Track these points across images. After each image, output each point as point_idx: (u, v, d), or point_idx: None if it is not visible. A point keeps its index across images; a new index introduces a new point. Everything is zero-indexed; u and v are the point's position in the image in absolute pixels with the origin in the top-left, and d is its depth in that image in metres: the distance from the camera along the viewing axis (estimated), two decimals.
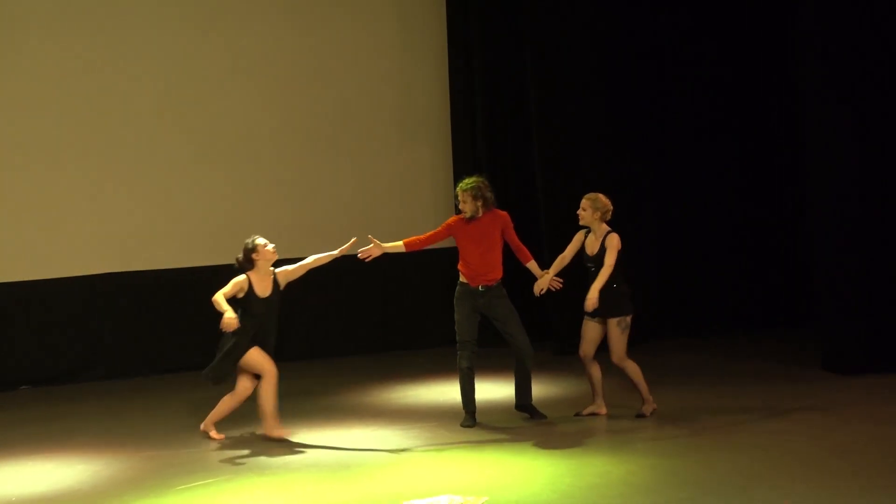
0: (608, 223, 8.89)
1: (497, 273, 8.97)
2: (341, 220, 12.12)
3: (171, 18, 12.05)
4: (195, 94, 12.11)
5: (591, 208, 8.85)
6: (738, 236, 12.69)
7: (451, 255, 9.10)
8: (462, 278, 9.01)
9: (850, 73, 10.07)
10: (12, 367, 11.57)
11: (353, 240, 8.92)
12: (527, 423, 8.96)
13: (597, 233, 8.87)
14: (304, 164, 12.48)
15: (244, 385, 8.85)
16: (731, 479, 7.19)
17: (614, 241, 8.78)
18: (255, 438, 8.87)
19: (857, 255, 10.16)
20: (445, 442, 8.53)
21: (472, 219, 8.94)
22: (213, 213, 12.18)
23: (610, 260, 8.74)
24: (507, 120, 12.66)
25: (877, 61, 10.08)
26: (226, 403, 8.93)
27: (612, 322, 8.81)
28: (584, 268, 8.89)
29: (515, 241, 9.03)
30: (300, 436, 8.85)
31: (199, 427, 9.09)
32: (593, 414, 9.03)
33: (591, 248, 8.87)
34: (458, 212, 9.09)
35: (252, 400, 8.89)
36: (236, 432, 9.06)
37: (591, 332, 8.91)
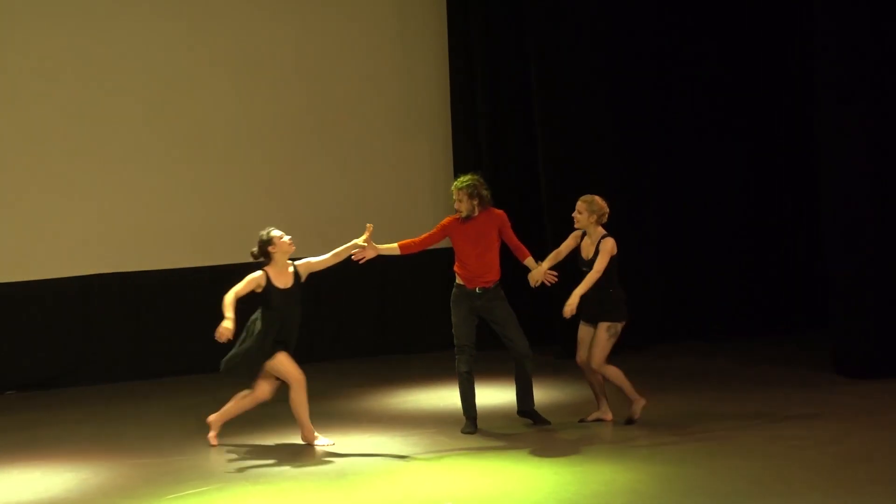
0: (605, 226, 8.84)
1: (495, 274, 8.95)
2: (340, 220, 12.13)
3: (166, 14, 12.07)
4: (190, 92, 12.14)
5: (587, 211, 8.79)
6: (744, 237, 12.72)
7: (450, 256, 9.09)
8: (458, 280, 8.99)
9: (860, 73, 10.09)
10: None
11: (369, 226, 8.85)
12: (529, 430, 8.96)
13: (592, 236, 8.81)
14: (301, 163, 12.51)
15: (263, 389, 8.76)
16: (738, 486, 7.18)
17: (608, 246, 8.72)
18: (248, 445, 8.87)
19: (870, 257, 10.18)
20: (446, 449, 8.53)
21: (467, 218, 8.92)
22: (208, 213, 12.20)
23: (599, 265, 8.68)
24: (509, 119, 12.71)
25: (889, 61, 10.10)
26: (240, 403, 8.82)
27: (602, 326, 8.77)
28: (579, 272, 8.85)
29: (514, 241, 9.01)
30: (296, 442, 8.85)
31: (191, 433, 9.09)
32: (599, 420, 9.03)
33: (587, 251, 8.83)
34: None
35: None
36: (234, 437, 9.06)
37: (587, 337, 8.90)
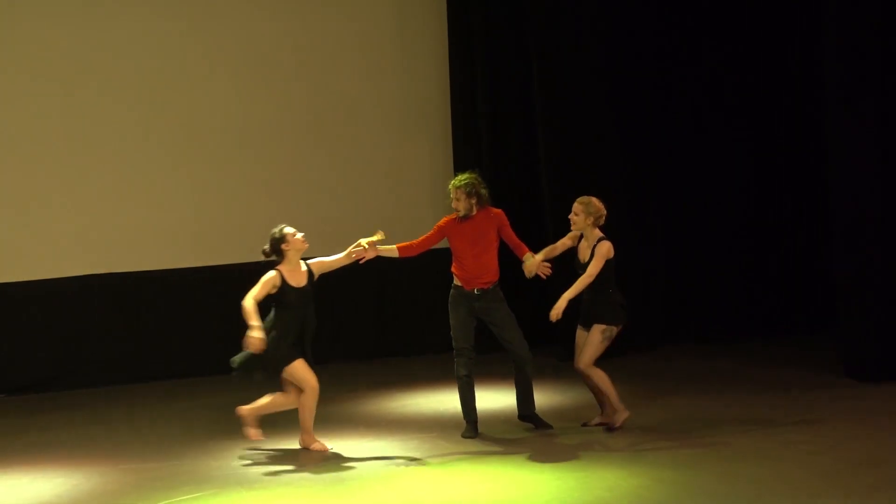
0: (603, 227, 8.81)
1: (493, 275, 8.93)
2: (339, 220, 12.13)
3: (165, 14, 12.06)
4: (189, 92, 12.14)
5: (584, 213, 8.75)
6: (751, 238, 12.70)
7: (450, 256, 9.08)
8: (456, 281, 8.96)
9: (871, 72, 10.08)
10: None
11: (381, 233, 8.83)
12: (531, 434, 8.95)
13: (589, 239, 8.77)
14: (301, 162, 12.51)
15: (297, 394, 8.67)
16: (746, 492, 7.17)
17: (603, 250, 8.67)
18: (244, 449, 8.85)
19: (881, 259, 10.17)
20: (446, 453, 8.51)
21: (465, 218, 8.89)
22: (206, 213, 12.20)
23: (592, 269, 8.64)
24: (510, 119, 12.71)
25: (894, 61, 10.09)
26: (277, 402, 8.71)
27: (597, 328, 8.74)
28: (576, 275, 8.80)
29: (514, 239, 8.96)
30: (293, 447, 8.83)
31: (185, 437, 9.09)
32: (602, 424, 9.01)
33: (583, 254, 8.79)
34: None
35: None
36: (229, 441, 9.05)
37: (584, 342, 8.88)
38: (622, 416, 8.82)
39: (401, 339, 12.76)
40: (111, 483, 8.15)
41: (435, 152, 12.93)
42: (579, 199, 8.81)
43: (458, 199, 8.86)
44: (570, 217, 8.82)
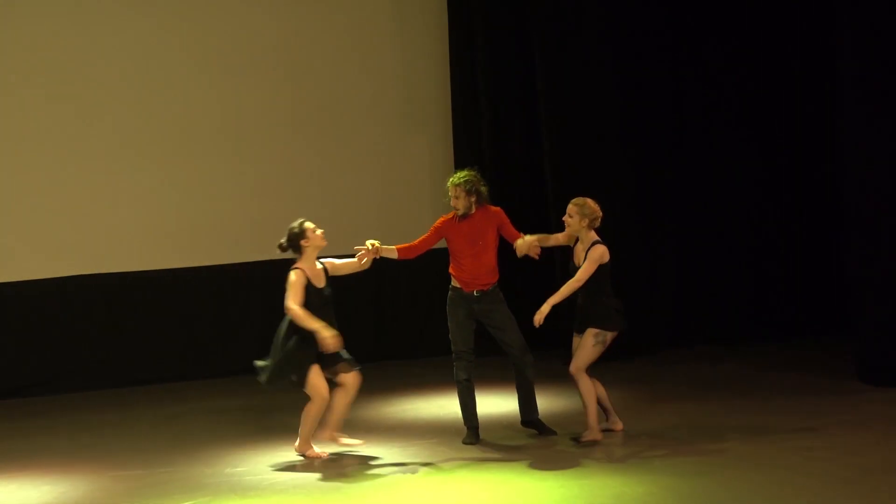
0: (598, 230, 8.74)
1: (493, 276, 8.91)
2: (339, 219, 12.11)
3: (161, 11, 12.11)
4: (183, 90, 12.21)
5: (579, 215, 8.68)
6: (763, 239, 12.73)
7: (448, 257, 9.06)
8: (454, 283, 8.94)
9: (886, 72, 10.06)
10: None
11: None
12: (534, 440, 8.93)
13: (584, 241, 8.71)
14: (300, 160, 12.55)
15: (340, 391, 8.62)
16: (754, 501, 7.16)
17: (595, 254, 8.60)
18: (238, 456, 8.83)
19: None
20: (446, 460, 8.50)
21: (464, 217, 8.87)
22: (199, 212, 12.23)
23: (582, 274, 8.59)
24: (512, 115, 12.72)
25: None
26: (340, 401, 8.64)
27: (590, 332, 8.69)
28: (571, 278, 8.78)
29: (516, 234, 8.91)
30: (288, 453, 8.82)
31: (177, 443, 9.07)
32: (608, 430, 8.99)
33: (578, 257, 8.74)
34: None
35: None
36: (223, 447, 9.04)
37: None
38: (594, 435, 8.71)
39: (399, 341, 12.75)
40: (100, 491, 8.13)
41: (435, 152, 12.94)
42: (574, 201, 8.74)
43: (457, 197, 8.84)
44: (564, 219, 8.76)
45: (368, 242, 8.82)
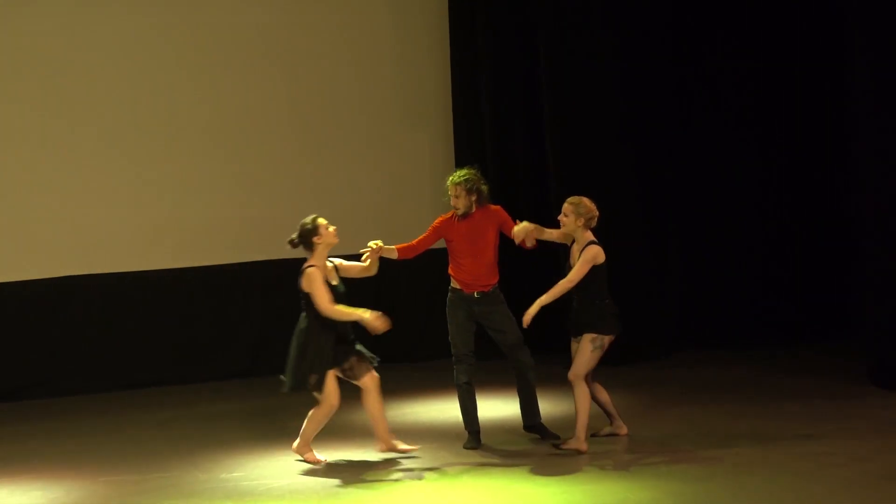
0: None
1: (493, 277, 8.87)
2: (336, 219, 12.03)
3: (156, 7, 12.10)
4: (179, 87, 12.19)
5: (574, 214, 8.60)
6: (772, 240, 12.73)
7: (447, 257, 9.03)
8: (454, 284, 8.90)
9: None
10: None
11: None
12: (536, 445, 8.91)
13: (580, 241, 8.64)
14: (299, 158, 12.56)
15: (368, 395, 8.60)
16: None
17: (589, 255, 8.52)
18: (233, 460, 8.80)
19: None
20: (447, 465, 8.47)
21: (464, 216, 8.82)
22: (198, 212, 12.24)
23: (574, 274, 8.51)
24: (514, 115, 12.70)
25: None
26: (372, 408, 8.60)
27: (587, 337, 8.63)
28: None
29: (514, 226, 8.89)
30: (285, 458, 8.78)
31: (171, 448, 9.05)
32: (612, 435, 8.96)
33: (574, 257, 8.66)
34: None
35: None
36: (219, 452, 9.00)
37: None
38: (578, 444, 8.60)
39: (398, 344, 12.67)
40: (93, 496, 8.10)
41: (436, 150, 12.94)
42: (569, 199, 8.67)
43: (457, 196, 8.79)
44: (559, 218, 8.68)
45: (371, 243, 8.79)
